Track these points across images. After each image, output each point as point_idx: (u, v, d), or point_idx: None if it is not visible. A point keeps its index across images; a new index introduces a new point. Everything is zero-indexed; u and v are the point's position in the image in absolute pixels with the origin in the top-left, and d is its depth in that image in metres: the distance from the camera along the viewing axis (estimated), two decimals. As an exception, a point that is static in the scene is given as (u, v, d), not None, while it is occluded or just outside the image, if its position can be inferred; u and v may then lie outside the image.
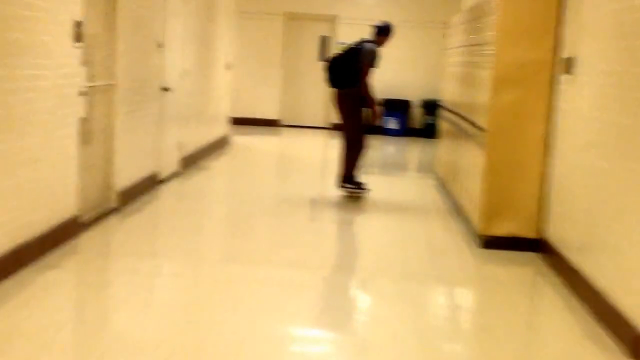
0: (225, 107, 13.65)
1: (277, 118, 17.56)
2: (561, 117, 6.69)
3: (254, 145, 14.60)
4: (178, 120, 10.13)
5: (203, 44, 11.47)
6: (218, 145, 12.88)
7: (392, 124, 17.00)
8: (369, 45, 9.21)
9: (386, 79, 17.04)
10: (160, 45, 9.07)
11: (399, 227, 8.14)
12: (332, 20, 17.48)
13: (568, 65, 6.48)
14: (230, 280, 5.89)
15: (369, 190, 9.54)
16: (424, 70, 17.23)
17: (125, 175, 8.02)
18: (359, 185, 9.47)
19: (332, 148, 15.29)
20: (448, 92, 10.51)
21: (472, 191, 7.67)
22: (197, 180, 10.19)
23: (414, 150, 15.83)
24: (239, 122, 16.70)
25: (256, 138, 15.78)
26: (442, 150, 10.67)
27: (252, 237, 7.43)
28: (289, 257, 6.70)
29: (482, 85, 7.49)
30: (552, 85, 6.90)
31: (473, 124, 7.86)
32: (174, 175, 9.98)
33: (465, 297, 6.23)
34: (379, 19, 10.27)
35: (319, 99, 17.64)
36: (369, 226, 8.46)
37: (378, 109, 9.48)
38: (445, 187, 9.92)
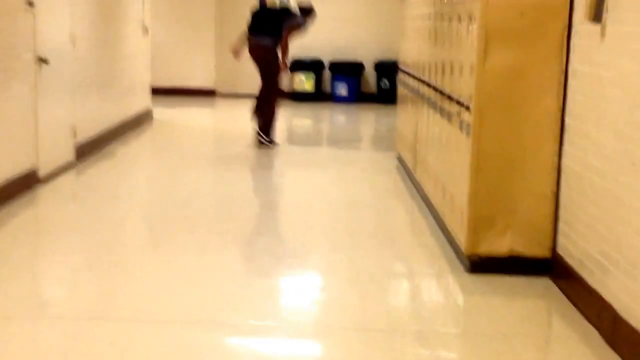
0: (144, 77, 11.39)
1: (212, 87, 15.31)
2: (582, 86, 4.64)
3: (181, 120, 12.38)
4: (68, 99, 7.91)
5: (104, 3, 9.20)
6: (135, 124, 10.66)
7: (341, 89, 14.88)
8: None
9: (334, 39, 14.95)
10: (30, 4, 6.83)
11: (352, 242, 6.06)
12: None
13: (595, 9, 4.42)
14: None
15: (278, 145, 9.85)
16: (378, 27, 15.09)
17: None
18: (272, 140, 9.75)
19: (280, 122, 13.24)
20: (410, 54, 8.39)
21: (454, 192, 5.61)
22: (94, 174, 7.99)
23: (368, 119, 13.73)
24: (167, 92, 14.51)
25: (186, 111, 13.55)
26: (405, 124, 8.58)
27: (137, 287, 5.29)
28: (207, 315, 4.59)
29: (463, 43, 5.40)
30: (567, 40, 4.84)
31: (449, 97, 5.78)
32: (64, 170, 7.79)
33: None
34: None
35: (259, 63, 15.36)
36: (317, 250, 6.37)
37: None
38: (410, 175, 7.85)
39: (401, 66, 9.02)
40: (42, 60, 7.10)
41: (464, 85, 5.35)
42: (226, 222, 6.44)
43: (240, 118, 12.50)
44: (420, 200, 7.06)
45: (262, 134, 9.65)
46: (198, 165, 8.89)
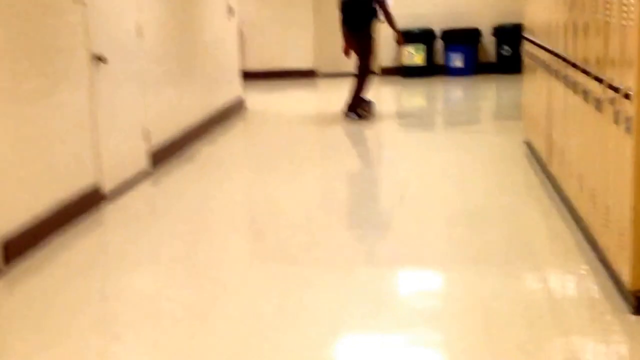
0: (232, 63, 10.29)
1: (311, 67, 14.12)
2: None
3: (279, 107, 11.24)
4: (136, 99, 6.88)
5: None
6: (224, 117, 9.59)
7: (456, 60, 13.39)
8: None
9: (445, 3, 13.49)
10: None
11: (476, 268, 4.77)
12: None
13: None
14: None
15: (374, 104, 10.02)
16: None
17: (20, 207, 4.87)
18: (362, 112, 9.83)
19: (388, 102, 11.95)
20: (539, 19, 6.94)
21: (609, 204, 4.23)
22: (172, 183, 6.94)
23: (488, 94, 12.25)
24: (263, 76, 13.43)
25: (284, 96, 12.40)
26: (534, 105, 7.16)
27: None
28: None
29: (620, 5, 4.00)
30: None
31: (597, 79, 4.38)
32: (136, 181, 6.77)
33: None
34: None
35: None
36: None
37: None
38: (544, 168, 6.46)
39: (527, 33, 7.57)
40: (99, 59, 6.05)
41: (620, 64, 3.96)
42: (327, 239, 5.25)
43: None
44: (559, 202, 5.68)
45: (348, 112, 9.82)
46: (296, 161, 7.73)
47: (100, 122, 6.09)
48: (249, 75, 13.35)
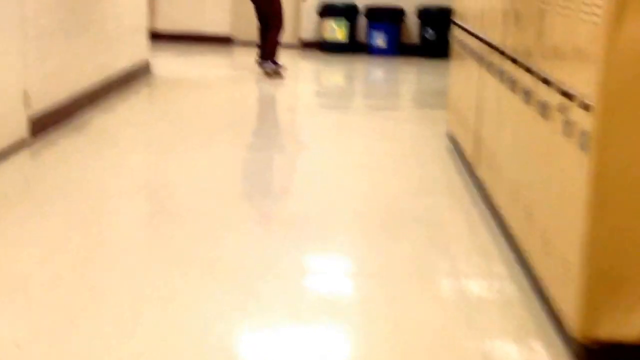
0: (138, 20, 9.40)
1: (228, 34, 13.27)
2: None
3: (188, 74, 10.42)
4: (13, 57, 5.99)
5: None
6: (127, 79, 8.73)
7: (379, 40, 12.76)
8: None
9: (371, -21, 12.84)
10: None
11: (385, 292, 4.14)
12: None
13: None
14: None
15: (285, 69, 10.21)
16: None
17: None
18: (277, 66, 10.09)
19: (306, 77, 11.23)
20: (472, 3, 6.33)
21: (551, 228, 3.64)
22: (53, 157, 6.11)
23: (409, 77, 11.67)
24: (173, 39, 12.56)
25: (195, 61, 11.57)
26: (461, 96, 6.58)
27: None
28: None
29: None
30: None
31: (545, 81, 3.78)
32: (9, 152, 5.90)
33: None
34: None
35: (284, 5, 13.29)
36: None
37: None
38: (469, 167, 5.89)
39: (456, 18, 6.97)
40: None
41: (576, 64, 3.36)
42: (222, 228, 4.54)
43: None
44: (485, 210, 5.11)
45: (262, 61, 10.04)
46: (197, 137, 6.97)
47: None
48: (159, 37, 12.47)
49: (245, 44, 13.06)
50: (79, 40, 7.30)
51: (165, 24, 13.01)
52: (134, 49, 9.14)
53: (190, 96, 8.84)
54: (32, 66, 6.24)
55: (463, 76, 6.50)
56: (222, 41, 13.09)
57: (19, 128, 6.11)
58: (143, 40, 9.56)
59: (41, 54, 6.41)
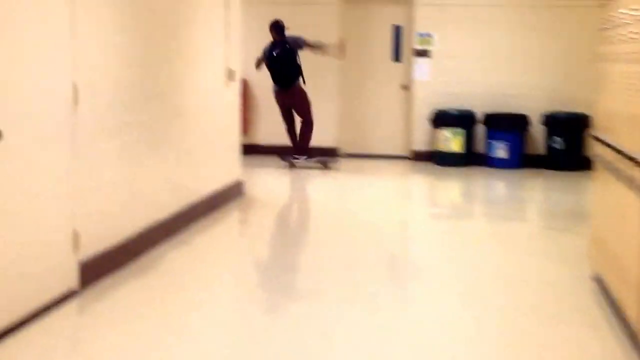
0: (230, 137, 8.43)
1: (334, 146, 12.22)
2: None
3: (287, 193, 9.34)
4: (58, 188, 4.97)
5: (147, 32, 6.30)
6: (211, 205, 7.68)
7: (499, 150, 11.45)
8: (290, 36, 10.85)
9: (489, 84, 11.69)
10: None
11: None
12: (408, 1, 12.08)
13: None
14: None
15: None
16: (550, 68, 11.64)
17: None
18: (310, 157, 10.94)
19: (418, 193, 9.96)
20: (619, 116, 4.99)
21: None
22: (108, 310, 5.00)
23: (536, 195, 10.30)
24: (277, 152, 11.62)
25: (296, 179, 10.50)
26: (612, 230, 5.17)
27: None
28: None
29: None
30: None
31: None
32: (52, 308, 4.82)
33: None
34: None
35: (393, 115, 12.26)
36: None
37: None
38: (632, 333, 4.43)
39: (598, 131, 5.63)
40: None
41: None
42: None
43: (372, 190, 9.45)
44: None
45: (301, 157, 11.01)
46: (300, 281, 5.76)
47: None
48: (257, 150, 11.62)
49: (351, 155, 12.03)
50: (149, 165, 6.29)
51: (265, 137, 12.15)
52: (221, 169, 8.13)
53: (285, 224, 7.70)
54: (84, 200, 5.22)
55: (613, 201, 5.11)
56: (327, 153, 12.04)
57: (67, 276, 5.05)
58: (234, 158, 8.56)
59: (95, 185, 5.39)
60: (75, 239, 5.11)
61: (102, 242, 5.48)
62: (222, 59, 7.99)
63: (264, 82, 12.09)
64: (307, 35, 12.06)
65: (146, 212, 6.23)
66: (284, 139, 12.03)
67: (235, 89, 8.50)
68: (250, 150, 11.85)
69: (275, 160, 11.40)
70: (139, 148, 6.09)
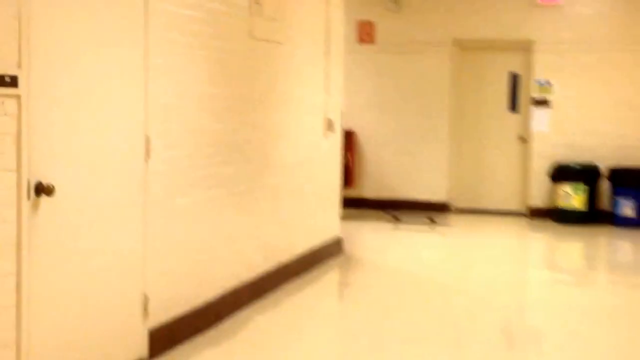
0: (329, 191, 7.91)
1: (444, 200, 11.54)
2: None
3: (390, 252, 8.72)
4: (127, 249, 4.53)
5: (242, 85, 5.87)
6: (306, 263, 7.15)
7: (627, 208, 10.50)
8: None
9: (616, 134, 10.87)
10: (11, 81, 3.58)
11: None
12: (525, 48, 11.37)
13: None
14: None
15: None
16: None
17: None
18: None
19: (535, 255, 9.17)
20: None
21: None
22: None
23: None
24: (383, 205, 11.06)
25: (402, 236, 9.85)
26: None
27: None
28: None
29: None
30: None
31: None
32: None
33: None
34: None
35: (509, 168, 11.49)
36: None
37: None
38: None
39: None
40: (43, 190, 3.76)
41: None
42: None
43: (487, 252, 8.76)
44: None
45: None
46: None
47: (34, 288, 3.76)
48: (363, 204, 11.10)
49: (463, 210, 11.33)
50: (234, 221, 5.79)
51: (371, 190, 11.61)
52: (320, 225, 7.60)
53: (387, 289, 7.07)
54: (155, 261, 4.76)
55: None
56: (437, 208, 11.37)
57: (136, 345, 4.59)
58: (333, 214, 8.03)
59: (169, 241, 4.94)
60: (145, 303, 4.65)
61: (175, 307, 4.99)
62: (321, 109, 7.51)
63: (370, 133, 11.62)
64: (416, 85, 11.55)
65: (229, 272, 5.73)
66: (391, 193, 11.48)
67: (336, 140, 7.99)
68: (356, 204, 11.35)
69: (380, 214, 10.82)
70: (223, 203, 5.61)
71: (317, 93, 7.42)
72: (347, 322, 6.13)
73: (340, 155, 8.22)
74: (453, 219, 10.98)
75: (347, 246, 8.29)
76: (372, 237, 9.61)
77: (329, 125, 7.66)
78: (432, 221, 10.31)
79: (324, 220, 7.73)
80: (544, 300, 6.98)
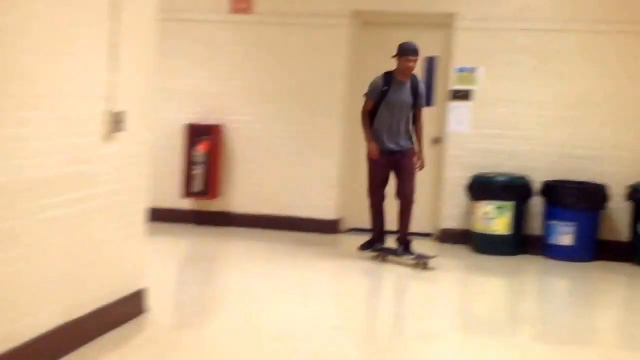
0: (129, 227, 5.26)
1: (334, 218, 9.00)
2: None
3: (233, 313, 6.15)
4: None
5: None
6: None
7: (564, 235, 8.14)
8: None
9: (552, 140, 8.41)
10: None
11: None
12: (445, 24, 8.89)
13: None
14: None
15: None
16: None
17: None
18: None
19: (445, 294, 6.55)
20: None
21: None
22: None
23: (617, 302, 6.95)
24: (256, 223, 8.68)
25: (278, 267, 7.26)
26: None
27: None
28: None
29: None
30: None
31: None
32: None
33: None
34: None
35: (417, 178, 8.94)
36: None
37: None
38: None
39: None
40: None
41: None
42: None
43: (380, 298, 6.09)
44: None
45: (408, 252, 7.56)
46: None
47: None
48: (230, 220, 8.70)
49: (356, 230, 8.83)
50: None
51: (234, 204, 9.10)
52: (84, 279, 4.97)
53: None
54: None
55: None
56: (325, 228, 8.88)
57: None
58: (134, 258, 5.42)
59: None
60: None
61: None
62: (99, 97, 4.87)
63: (244, 129, 9.08)
64: (305, 69, 9.05)
65: None
66: (268, 208, 8.97)
67: (138, 141, 5.37)
68: (219, 220, 8.89)
69: (251, 234, 8.34)
70: None
71: (89, 72, 4.76)
72: None
73: (148, 164, 5.58)
74: (340, 241, 8.53)
75: (168, 297, 5.70)
76: (221, 272, 7.06)
77: (116, 122, 5.03)
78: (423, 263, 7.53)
79: (101, 270, 5.05)
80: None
